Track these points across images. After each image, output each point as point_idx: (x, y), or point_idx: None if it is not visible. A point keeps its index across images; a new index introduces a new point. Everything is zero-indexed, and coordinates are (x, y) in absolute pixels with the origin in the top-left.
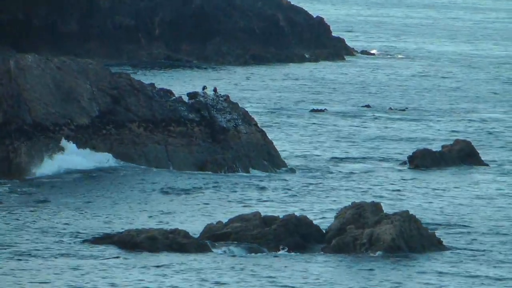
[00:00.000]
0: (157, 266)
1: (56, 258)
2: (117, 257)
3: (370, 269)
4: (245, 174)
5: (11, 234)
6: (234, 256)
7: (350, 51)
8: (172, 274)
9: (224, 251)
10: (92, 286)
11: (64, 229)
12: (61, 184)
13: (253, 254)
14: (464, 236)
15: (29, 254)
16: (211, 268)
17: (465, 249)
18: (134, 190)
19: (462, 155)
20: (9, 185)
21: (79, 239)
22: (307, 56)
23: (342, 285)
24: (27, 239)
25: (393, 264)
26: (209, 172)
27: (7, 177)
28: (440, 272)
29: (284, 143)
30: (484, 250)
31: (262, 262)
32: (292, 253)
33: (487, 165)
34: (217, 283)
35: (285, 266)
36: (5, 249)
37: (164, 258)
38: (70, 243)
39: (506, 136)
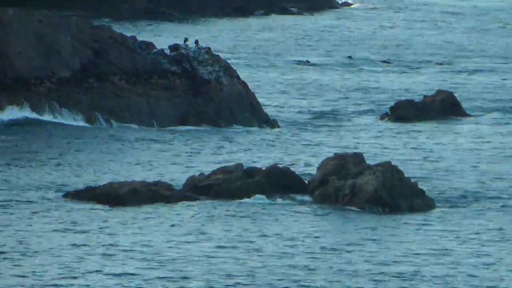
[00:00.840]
0: (141, 219)
1: (38, 212)
2: (101, 210)
3: (353, 220)
4: (228, 128)
5: None
6: (216, 207)
7: (333, 4)
8: (156, 226)
9: (207, 203)
10: (73, 241)
11: (45, 183)
12: (38, 138)
13: (235, 205)
14: (446, 186)
15: (11, 207)
16: (194, 219)
17: (447, 200)
18: (115, 144)
19: (444, 106)
20: None
21: (60, 193)
22: (290, 8)
23: (326, 235)
24: (8, 193)
25: (376, 216)
26: (192, 126)
27: None
28: (424, 224)
29: (266, 95)
30: (467, 201)
31: (244, 212)
32: (275, 203)
33: (469, 115)
34: (202, 233)
35: (268, 216)
36: None
37: (147, 210)
38: (51, 197)
39: (488, 86)
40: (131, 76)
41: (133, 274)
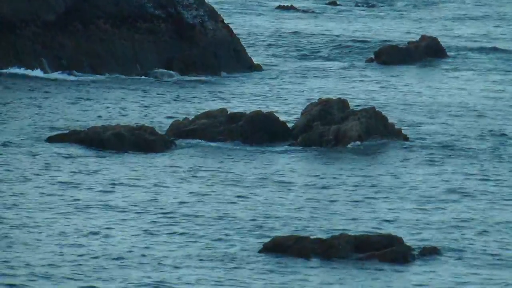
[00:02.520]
0: (123, 164)
1: (20, 155)
2: (84, 155)
3: (336, 159)
4: (212, 73)
5: None
6: (200, 152)
7: None
8: (141, 170)
9: (190, 147)
10: (59, 183)
11: (27, 126)
12: (21, 82)
13: (218, 149)
14: (430, 131)
15: None
16: (178, 164)
17: (431, 144)
18: (99, 88)
19: (428, 51)
20: None
21: (43, 136)
22: None
23: (308, 174)
24: None
25: (359, 155)
26: (176, 72)
27: None
28: (404, 161)
29: (249, 41)
30: (452, 143)
31: (227, 157)
32: (257, 148)
33: (454, 60)
34: (183, 179)
35: (250, 160)
36: None
37: (130, 156)
38: (33, 141)
39: (472, 31)
40: (115, 20)
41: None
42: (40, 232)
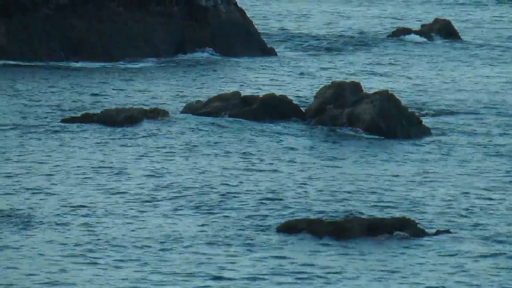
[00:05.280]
0: (137, 145)
1: (36, 137)
2: (98, 137)
3: (346, 141)
4: (224, 55)
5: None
6: (214, 128)
7: None
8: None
9: (201, 124)
10: (74, 165)
11: (45, 109)
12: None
13: (232, 126)
14: (442, 112)
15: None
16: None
17: (445, 127)
18: (113, 72)
19: (442, 34)
20: None
21: (57, 118)
22: None
23: (319, 153)
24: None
25: (370, 142)
26: (188, 54)
27: None
28: (418, 147)
29: (262, 24)
30: (468, 130)
31: (240, 132)
32: (271, 124)
33: (467, 43)
34: (201, 154)
35: (262, 135)
36: None
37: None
38: (48, 122)
39: (485, 15)
40: (128, 2)
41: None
42: None
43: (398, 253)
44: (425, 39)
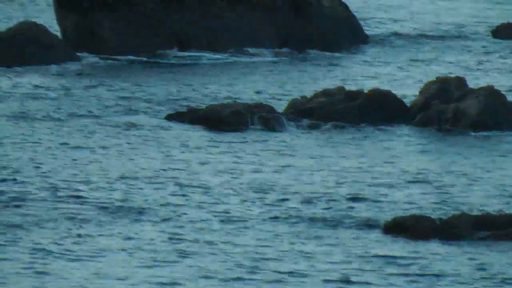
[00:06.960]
0: (243, 142)
1: (140, 133)
2: (203, 135)
3: (455, 144)
4: (329, 51)
5: (106, 110)
6: (319, 130)
7: None
8: (257, 151)
9: (309, 126)
10: (176, 162)
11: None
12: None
13: (337, 128)
14: None
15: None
16: (299, 143)
17: None
18: (215, 69)
19: None
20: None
21: (161, 114)
22: None
23: (428, 156)
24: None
25: (479, 140)
26: (291, 49)
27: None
28: None
29: (366, 18)
30: None
31: (346, 135)
32: (376, 127)
33: None
34: (306, 155)
35: (368, 138)
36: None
37: (250, 134)
38: (151, 118)
39: None
40: None
41: None
42: None
43: None
44: None
